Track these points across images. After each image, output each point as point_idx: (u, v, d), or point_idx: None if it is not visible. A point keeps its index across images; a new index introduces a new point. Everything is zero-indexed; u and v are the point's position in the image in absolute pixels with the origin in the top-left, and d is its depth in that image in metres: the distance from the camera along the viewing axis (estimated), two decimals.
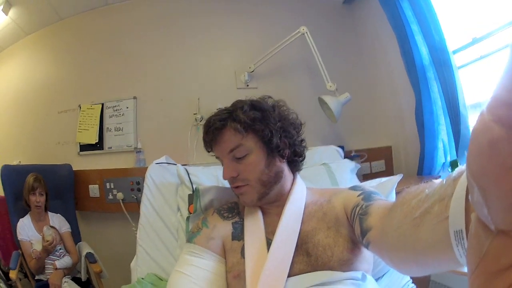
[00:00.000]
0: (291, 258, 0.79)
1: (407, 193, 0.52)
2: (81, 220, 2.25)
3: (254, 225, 0.89)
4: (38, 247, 1.89)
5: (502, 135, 0.18)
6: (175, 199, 1.31)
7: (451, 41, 1.73)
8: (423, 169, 1.93)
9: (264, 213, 0.93)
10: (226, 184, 1.11)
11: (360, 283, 0.78)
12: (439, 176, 1.83)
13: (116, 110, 2.22)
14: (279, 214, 0.87)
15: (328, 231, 0.83)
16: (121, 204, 2.07)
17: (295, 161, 0.95)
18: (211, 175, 1.34)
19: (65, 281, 1.86)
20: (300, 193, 0.92)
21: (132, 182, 2.08)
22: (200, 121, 2.08)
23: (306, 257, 0.81)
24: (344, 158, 1.65)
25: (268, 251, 0.81)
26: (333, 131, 2.30)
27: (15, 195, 2.03)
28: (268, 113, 0.89)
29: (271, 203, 0.92)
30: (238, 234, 0.90)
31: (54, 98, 2.40)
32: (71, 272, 1.97)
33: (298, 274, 0.79)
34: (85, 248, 2.03)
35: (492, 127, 0.19)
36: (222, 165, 0.92)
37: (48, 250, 1.86)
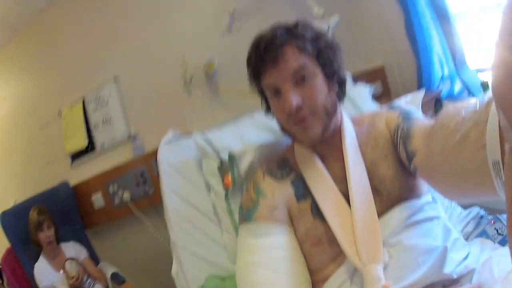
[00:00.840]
0: (373, 199, 0.73)
1: (444, 114, 0.55)
2: (93, 239, 2.01)
3: (320, 177, 0.79)
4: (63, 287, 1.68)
5: None
6: (201, 177, 1.10)
7: None
8: (422, 84, 1.84)
9: (321, 160, 0.82)
10: (254, 142, 1.05)
11: (435, 205, 0.78)
12: (440, 91, 1.76)
13: (99, 100, 1.95)
14: (337, 158, 0.80)
15: (387, 160, 0.78)
16: (130, 205, 1.80)
17: (341, 91, 0.84)
18: (235, 136, 1.13)
19: None
20: (349, 127, 0.83)
21: (135, 176, 1.78)
22: (191, 80, 1.80)
23: (378, 196, 0.75)
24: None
25: (347, 204, 0.74)
26: None
27: (21, 240, 1.81)
28: (322, 34, 0.80)
29: (326, 142, 0.81)
30: (301, 193, 0.79)
31: (32, 114, 2.19)
32: None
33: (379, 217, 0.73)
34: (108, 269, 1.83)
35: (509, 57, 0.20)
36: (274, 96, 0.77)
37: (77, 287, 1.66)
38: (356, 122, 0.86)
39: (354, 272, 0.70)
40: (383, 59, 2.08)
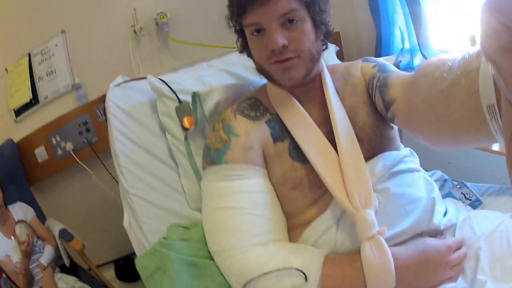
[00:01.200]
0: (358, 145, 0.72)
1: (426, 65, 0.55)
2: (38, 195, 1.90)
3: (300, 119, 0.76)
4: (16, 254, 1.56)
5: (499, 28, 0.22)
6: (154, 120, 1.02)
7: None
8: (380, 54, 1.84)
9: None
10: (214, 84, 1.00)
11: (413, 159, 0.80)
12: (400, 62, 1.77)
13: (45, 54, 1.84)
14: (315, 103, 0.79)
15: (366, 106, 0.77)
16: (73, 154, 1.71)
17: (324, 42, 0.79)
18: (194, 78, 1.07)
19: (59, 278, 1.57)
20: (328, 75, 0.81)
21: (78, 125, 1.70)
22: (140, 31, 1.75)
23: (360, 142, 0.73)
24: None
25: (333, 148, 0.72)
26: None
27: None
28: None
29: (305, 86, 0.78)
30: (278, 134, 0.76)
31: None
32: (57, 261, 1.64)
33: None
34: (55, 226, 1.71)
35: (492, 20, 0.23)
36: (257, 34, 0.72)
37: (29, 252, 1.55)
38: (330, 71, 0.83)
39: (340, 217, 0.69)
40: (339, 26, 2.07)
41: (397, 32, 1.76)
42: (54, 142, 1.76)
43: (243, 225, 0.68)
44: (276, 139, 0.76)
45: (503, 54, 0.22)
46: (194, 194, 0.91)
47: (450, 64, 0.45)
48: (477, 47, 0.38)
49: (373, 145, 0.76)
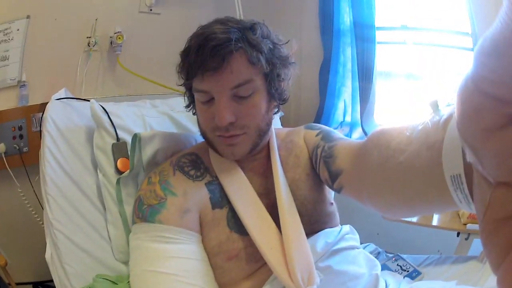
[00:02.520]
0: (300, 222, 0.69)
1: (379, 134, 0.50)
2: None
3: (242, 187, 0.72)
4: None
5: (486, 104, 0.20)
6: (88, 151, 0.96)
7: (379, 18, 1.62)
8: (319, 123, 1.85)
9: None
10: (156, 128, 0.98)
11: (353, 236, 0.79)
12: None
13: (6, 34, 1.70)
14: (259, 172, 0.77)
15: (308, 180, 0.76)
16: (4, 158, 1.53)
17: (278, 107, 0.79)
18: (136, 116, 1.02)
19: None
20: (275, 144, 0.78)
21: (14, 128, 1.53)
22: (93, 46, 1.69)
23: (300, 217, 0.71)
24: None
25: (273, 220, 0.69)
26: None
27: None
28: (277, 46, 0.71)
29: (251, 156, 0.76)
30: (218, 200, 0.72)
31: None
32: None
33: None
34: None
35: (476, 96, 0.20)
36: (205, 102, 0.69)
37: None
38: (276, 135, 0.81)
39: None
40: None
41: (340, 105, 1.80)
42: None
43: None
44: (214, 205, 0.71)
45: (485, 136, 0.20)
46: (121, 245, 0.86)
47: (408, 134, 0.42)
48: (445, 115, 0.37)
49: (313, 221, 0.74)
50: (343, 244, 0.74)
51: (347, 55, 1.76)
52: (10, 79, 1.67)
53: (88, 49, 1.69)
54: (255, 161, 0.77)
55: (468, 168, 0.31)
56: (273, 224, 0.69)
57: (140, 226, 0.69)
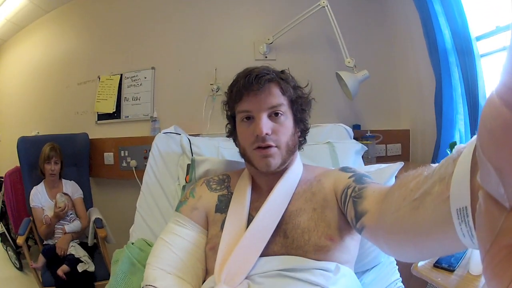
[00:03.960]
0: (268, 238, 0.78)
1: (404, 177, 0.50)
2: (95, 187, 2.30)
3: (240, 199, 0.88)
4: (50, 213, 1.94)
5: None
6: (176, 168, 1.33)
7: (475, 27, 1.61)
8: (437, 159, 1.83)
9: (255, 188, 0.91)
10: (227, 156, 1.20)
11: (330, 275, 0.74)
12: None
13: (135, 80, 2.24)
14: (269, 190, 0.85)
15: (313, 213, 0.81)
16: (134, 171, 2.09)
17: (303, 138, 0.95)
18: (212, 147, 1.34)
19: (72, 245, 1.91)
20: (295, 172, 0.89)
21: (145, 151, 2.07)
22: (217, 91, 2.07)
23: (283, 239, 0.79)
24: (356, 137, 1.60)
25: (247, 228, 0.79)
26: (351, 109, 2.24)
27: (30, 164, 2.09)
28: (300, 86, 0.91)
29: (270, 176, 0.88)
30: (222, 207, 0.89)
31: (74, 71, 2.45)
32: (80, 236, 2.03)
33: (271, 255, 0.78)
34: (95, 214, 2.07)
35: (504, 112, 0.19)
36: (246, 120, 0.86)
37: (60, 216, 1.93)
38: (310, 170, 0.92)
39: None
40: (410, 123, 2.18)
41: (457, 135, 1.77)
42: (122, 154, 2.17)
43: (162, 254, 0.83)
44: (217, 210, 0.89)
45: None
46: None
47: (426, 174, 0.41)
48: (455, 152, 0.35)
49: (295, 246, 0.77)
50: (301, 276, 0.72)
51: (455, 77, 1.71)
52: (143, 115, 2.19)
53: (212, 93, 2.05)
54: (269, 180, 0.88)
55: (474, 201, 0.29)
56: (243, 233, 0.79)
57: (173, 212, 0.95)
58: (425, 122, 2.07)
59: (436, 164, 0.40)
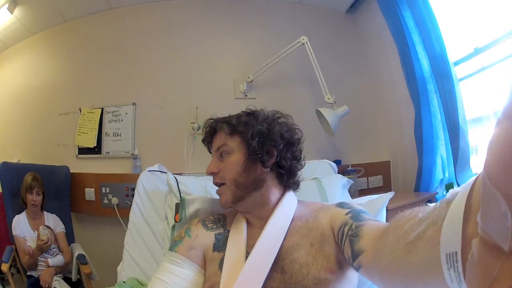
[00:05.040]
0: (265, 275, 0.77)
1: (400, 217, 0.51)
2: (76, 222, 2.28)
3: (237, 237, 0.89)
4: (32, 244, 1.93)
5: None
6: (163, 207, 1.34)
7: (453, 52, 1.68)
8: (420, 185, 1.87)
9: (248, 226, 0.92)
10: (215, 195, 1.12)
11: None
12: (436, 193, 1.80)
13: (116, 116, 2.24)
14: (262, 227, 0.86)
15: (310, 248, 0.81)
16: (116, 209, 2.08)
17: (281, 174, 0.93)
18: (199, 185, 1.35)
19: (56, 279, 1.89)
20: (288, 208, 0.90)
21: (127, 188, 2.08)
22: (197, 130, 2.07)
23: (281, 275, 0.79)
24: (339, 173, 1.62)
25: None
26: (331, 145, 2.27)
27: (12, 192, 2.07)
28: (255, 119, 0.93)
29: (253, 213, 0.91)
30: (219, 246, 0.90)
31: (56, 99, 2.44)
32: (63, 271, 2.01)
33: None
34: (78, 250, 2.06)
35: None
36: None
37: (42, 249, 1.90)
38: (305, 206, 0.93)
39: None
40: (389, 154, 2.21)
41: (438, 161, 1.78)
42: (103, 190, 2.15)
43: None
44: (215, 249, 0.89)
45: None
46: None
47: (420, 216, 0.42)
48: (450, 195, 0.35)
49: (294, 280, 0.77)
50: None
51: (434, 104, 1.75)
52: (124, 151, 2.16)
53: (192, 132, 2.05)
54: (259, 218, 0.91)
55: (464, 248, 0.29)
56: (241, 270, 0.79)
57: (167, 253, 0.93)
58: (405, 151, 2.10)
59: (432, 204, 0.41)
